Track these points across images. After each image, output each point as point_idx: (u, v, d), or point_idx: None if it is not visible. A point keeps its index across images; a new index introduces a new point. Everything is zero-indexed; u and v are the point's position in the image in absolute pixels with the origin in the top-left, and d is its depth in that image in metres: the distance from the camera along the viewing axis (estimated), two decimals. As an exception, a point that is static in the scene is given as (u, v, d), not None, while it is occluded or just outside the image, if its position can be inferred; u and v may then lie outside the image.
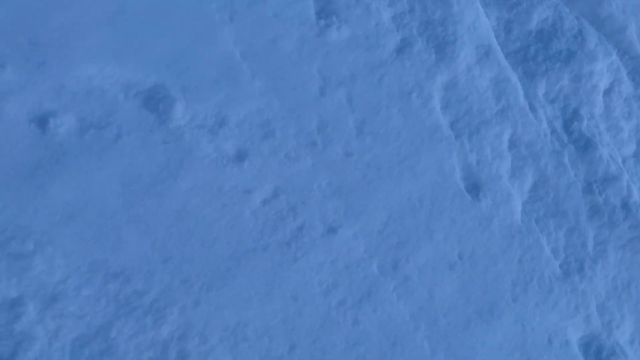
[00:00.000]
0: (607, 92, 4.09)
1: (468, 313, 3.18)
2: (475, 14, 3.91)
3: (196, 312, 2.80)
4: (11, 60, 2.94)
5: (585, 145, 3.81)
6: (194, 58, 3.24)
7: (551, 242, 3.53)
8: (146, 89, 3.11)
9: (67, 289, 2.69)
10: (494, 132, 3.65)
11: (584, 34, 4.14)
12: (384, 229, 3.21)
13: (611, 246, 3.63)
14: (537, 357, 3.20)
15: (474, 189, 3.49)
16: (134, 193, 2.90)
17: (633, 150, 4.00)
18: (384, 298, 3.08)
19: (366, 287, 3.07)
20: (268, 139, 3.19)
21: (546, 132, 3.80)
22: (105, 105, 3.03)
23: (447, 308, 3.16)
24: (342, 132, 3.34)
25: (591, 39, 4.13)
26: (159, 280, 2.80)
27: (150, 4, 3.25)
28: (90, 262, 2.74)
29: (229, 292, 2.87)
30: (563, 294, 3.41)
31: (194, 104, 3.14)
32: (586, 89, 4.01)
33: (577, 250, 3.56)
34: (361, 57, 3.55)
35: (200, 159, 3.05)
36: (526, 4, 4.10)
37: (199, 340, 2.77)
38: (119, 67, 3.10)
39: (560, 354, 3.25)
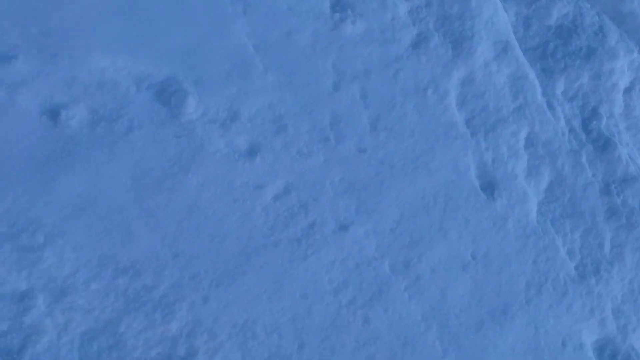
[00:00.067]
0: (628, 91, 4.00)
1: (480, 314, 3.14)
2: (494, 9, 3.83)
3: (205, 308, 2.78)
4: (23, 51, 2.92)
5: (603, 145, 3.74)
6: (207, 51, 3.20)
7: (567, 244, 3.47)
8: (158, 82, 3.08)
9: (76, 283, 2.68)
10: (511, 130, 3.59)
11: (605, 30, 4.04)
12: (396, 227, 3.16)
13: (628, 248, 3.55)
14: (550, 361, 3.16)
15: (489, 187, 3.43)
16: (145, 187, 2.88)
17: (653, 151, 3.92)
18: (395, 297, 3.04)
19: (377, 286, 3.03)
20: (280, 134, 3.16)
21: (564, 130, 3.72)
22: (117, 98, 3.00)
23: (459, 309, 3.11)
24: (356, 128, 3.30)
25: (612, 35, 4.04)
26: (169, 276, 2.78)
27: (163, -5, 3.23)
28: (100, 256, 2.73)
29: (238, 289, 2.84)
30: (578, 297, 3.35)
31: (206, 98, 3.11)
32: (606, 87, 3.92)
33: (593, 252, 3.50)
34: (376, 52, 3.49)
35: (212, 154, 3.02)
36: (546, -1, 4.02)
37: (208, 337, 2.75)
38: (131, 59, 3.07)
39: (574, 357, 3.20)
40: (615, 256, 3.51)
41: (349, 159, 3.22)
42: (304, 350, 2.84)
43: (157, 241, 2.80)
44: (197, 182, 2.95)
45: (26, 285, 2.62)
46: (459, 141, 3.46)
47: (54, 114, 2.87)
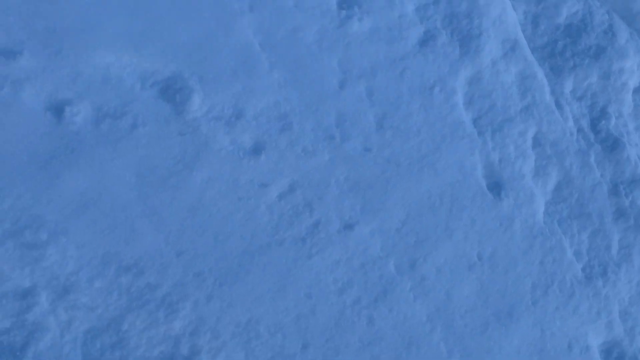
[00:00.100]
0: (637, 91, 3.95)
1: (486, 315, 3.11)
2: (502, 7, 3.79)
3: (209, 307, 2.76)
4: (28, 46, 2.90)
5: (612, 145, 3.70)
6: (212, 48, 3.18)
7: (574, 245, 3.43)
8: (163, 79, 3.07)
9: (79, 280, 2.67)
10: (518, 130, 3.55)
11: (615, 29, 4.00)
12: (402, 227, 3.14)
13: (636, 250, 3.52)
14: (556, 363, 3.13)
15: (496, 188, 3.40)
16: (149, 185, 2.86)
17: (662, 151, 3.87)
18: (400, 298, 3.01)
19: (382, 286, 3.01)
20: (285, 132, 3.13)
21: (572, 130, 3.69)
22: (121, 95, 2.98)
23: (464, 310, 3.09)
24: (362, 127, 3.27)
25: (622, 34, 4.00)
26: (172, 274, 2.76)
27: (169, -9, 3.20)
28: (103, 254, 2.71)
29: (242, 288, 2.82)
30: (585, 299, 3.32)
31: (211, 95, 3.09)
32: (615, 86, 3.88)
33: (600, 254, 3.47)
34: (383, 50, 3.46)
35: (216, 152, 3.00)
36: (555, -3, 3.98)
37: (211, 336, 2.73)
38: (136, 55, 3.05)
39: (580, 360, 3.17)
40: (623, 258, 3.48)
41: (355, 158, 3.19)
42: (307, 350, 2.82)
43: (160, 239, 2.79)
44: (201, 180, 2.94)
45: (29, 283, 2.61)
46: (466, 141, 3.43)
47: (58, 110, 2.86)
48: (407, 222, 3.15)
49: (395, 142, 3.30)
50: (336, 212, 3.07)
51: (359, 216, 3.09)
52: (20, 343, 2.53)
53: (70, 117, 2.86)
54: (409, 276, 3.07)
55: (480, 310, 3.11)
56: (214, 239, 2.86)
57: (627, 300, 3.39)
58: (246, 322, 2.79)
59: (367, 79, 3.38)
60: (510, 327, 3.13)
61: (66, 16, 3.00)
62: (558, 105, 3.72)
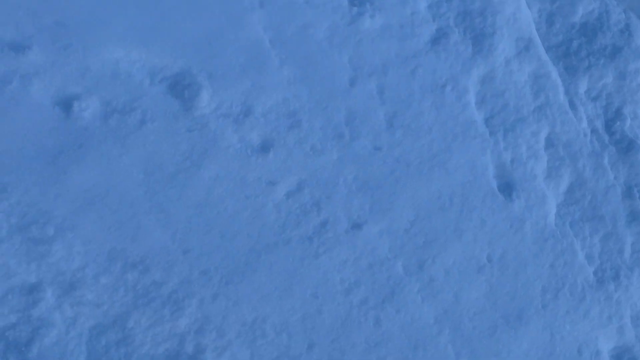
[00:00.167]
0: (653, 91, 3.88)
1: (495, 318, 3.07)
2: (516, 5, 3.73)
3: (214, 306, 2.74)
4: (37, 41, 2.90)
5: (627, 147, 3.64)
6: (222, 44, 3.16)
7: (586, 248, 3.38)
8: (172, 75, 3.05)
9: (85, 277, 2.66)
10: (531, 130, 3.50)
11: (632, 28, 3.93)
12: (410, 228, 3.10)
13: (649, 254, 3.46)
14: (566, 368, 3.09)
15: (507, 188, 3.36)
16: (156, 181, 2.84)
17: (678, 154, 3.80)
18: (408, 299, 2.98)
19: (390, 287, 2.98)
20: (294, 130, 3.11)
21: (586, 131, 3.63)
22: (130, 90, 2.97)
23: (473, 312, 3.05)
24: (371, 125, 3.23)
25: (639, 34, 3.92)
26: (178, 272, 2.75)
27: (179, -14, 3.18)
28: (110, 250, 2.70)
29: (248, 287, 2.80)
30: (596, 303, 3.27)
31: (220, 92, 3.07)
32: (631, 87, 3.81)
33: (613, 257, 3.41)
34: (394, 47, 3.42)
35: (225, 149, 2.98)
36: (571, -5, 3.91)
37: (217, 334, 2.72)
38: (145, 51, 3.04)
39: (590, 365, 3.13)
40: (636, 262, 3.42)
41: (364, 157, 3.16)
42: (313, 351, 2.80)
43: (167, 236, 2.78)
44: (209, 177, 2.92)
45: (35, 278, 2.60)
46: (477, 140, 3.38)
47: (66, 105, 2.85)
48: (416, 222, 3.12)
49: (405, 141, 3.26)
50: (344, 212, 3.04)
51: (368, 216, 3.06)
52: (25, 338, 2.53)
53: (78, 112, 2.85)
54: (417, 277, 3.03)
55: (489, 312, 3.08)
56: (221, 237, 2.84)
57: (639, 305, 3.34)
58: (252, 321, 2.77)
59: (378, 77, 3.34)
60: (520, 330, 3.09)
61: (75, 11, 2.99)
62: (572, 105, 3.66)
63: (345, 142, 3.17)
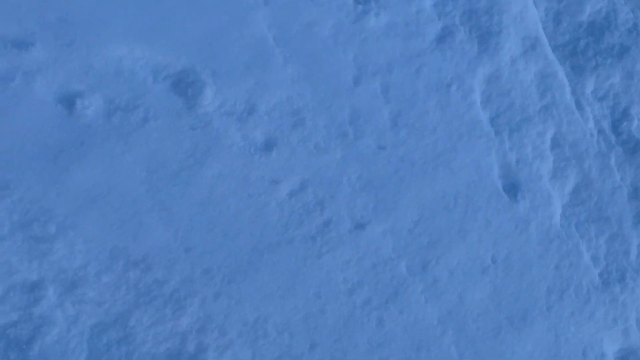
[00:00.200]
0: (661, 92, 3.84)
1: (499, 319, 3.05)
2: (523, 4, 3.70)
3: (216, 305, 2.73)
4: (40, 37, 2.88)
5: (634, 148, 3.60)
6: (226, 41, 3.14)
7: (591, 249, 3.35)
8: (176, 72, 3.03)
9: (87, 275, 2.65)
10: (537, 130, 3.47)
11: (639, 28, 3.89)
12: (414, 228, 3.08)
13: (656, 256, 3.43)
14: (570, 370, 3.06)
15: (512, 189, 3.33)
16: (159, 180, 2.83)
17: (686, 155, 3.76)
18: (412, 300, 2.96)
19: (393, 288, 2.96)
20: (298, 128, 3.08)
21: (592, 132, 3.59)
22: (133, 88, 2.95)
23: (477, 313, 3.03)
24: (376, 124, 3.21)
25: (647, 33, 3.88)
26: (180, 270, 2.74)
27: (183, -17, 3.16)
28: (112, 249, 2.69)
29: (250, 286, 2.79)
30: (601, 304, 3.25)
31: (223, 90, 3.05)
32: (638, 87, 3.77)
33: (618, 259, 3.38)
34: (399, 46, 3.39)
35: (228, 147, 2.97)
36: (578, -6, 3.87)
37: (218, 334, 2.70)
38: (149, 48, 3.02)
39: (594, 367, 3.10)
40: (642, 264, 3.39)
41: (368, 156, 3.14)
42: (315, 351, 2.79)
43: (169, 235, 2.76)
44: (212, 175, 2.90)
45: (37, 276, 2.60)
46: (483, 140, 3.35)
47: (69, 102, 2.84)
48: (420, 222, 3.09)
49: (410, 140, 3.24)
50: (348, 211, 3.02)
51: (371, 215, 3.04)
52: (26, 336, 2.52)
53: (81, 110, 2.84)
54: (420, 278, 3.01)
55: (493, 314, 3.05)
56: (223, 236, 2.83)
57: (645, 308, 3.31)
58: (254, 320, 2.75)
59: (383, 75, 3.31)
60: (524, 331, 3.06)
61: (79, 8, 2.97)
62: (578, 105, 3.63)
63: (349, 141, 3.14)
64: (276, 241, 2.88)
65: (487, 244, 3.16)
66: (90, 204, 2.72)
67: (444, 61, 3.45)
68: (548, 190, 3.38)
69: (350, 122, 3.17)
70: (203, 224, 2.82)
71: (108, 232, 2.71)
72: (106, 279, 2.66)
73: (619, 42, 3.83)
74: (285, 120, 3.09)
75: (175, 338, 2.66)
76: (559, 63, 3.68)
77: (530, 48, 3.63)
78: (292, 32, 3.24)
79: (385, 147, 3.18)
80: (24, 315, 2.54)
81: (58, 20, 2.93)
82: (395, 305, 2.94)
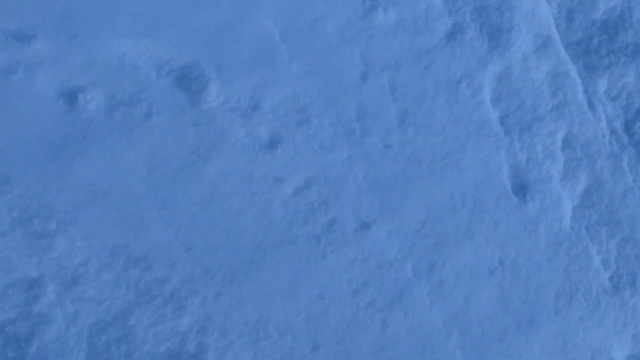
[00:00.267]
0: (676, 92, 3.75)
1: (505, 323, 2.99)
2: (535, 0, 3.62)
3: (217, 305, 2.69)
4: (43, 31, 2.85)
5: (647, 149, 3.53)
6: (231, 36, 3.09)
7: (602, 252, 3.28)
8: (180, 67, 2.99)
9: (87, 272, 2.61)
10: (547, 130, 3.40)
11: (655, 26, 3.80)
12: (421, 228, 3.02)
13: (668, 260, 3.35)
14: (578, 376, 3.00)
15: (522, 190, 3.26)
16: (161, 177, 2.79)
17: (700, 157, 3.68)
18: (417, 302, 2.91)
19: (398, 289, 2.90)
20: (303, 126, 3.03)
21: (605, 132, 3.52)
22: (136, 83, 2.91)
23: (483, 317, 2.97)
24: (383, 122, 3.15)
25: (662, 32, 3.80)
26: (181, 269, 2.70)
27: (188, -23, 3.11)
28: (112, 246, 2.66)
29: (252, 286, 2.75)
30: (611, 309, 3.18)
31: (228, 85, 3.00)
32: (653, 87, 3.69)
33: (629, 263, 3.31)
34: (408, 43, 3.33)
35: (232, 144, 2.92)
36: (592, -9, 3.79)
37: (219, 334, 2.66)
38: (152, 42, 2.98)
39: (603, 373, 3.04)
40: (654, 268, 3.32)
41: (374, 155, 3.08)
42: (318, 353, 2.74)
43: (170, 233, 2.72)
44: (214, 172, 2.86)
45: (36, 273, 2.56)
46: (492, 139, 3.29)
47: (71, 97, 2.80)
48: (426, 223, 3.04)
49: (417, 139, 3.18)
50: (353, 211, 2.96)
51: (377, 215, 2.99)
52: (25, 334, 2.49)
53: (83, 105, 2.80)
54: (426, 280, 2.96)
55: (499, 317, 2.99)
56: (225, 235, 2.78)
57: (656, 313, 3.24)
58: (255, 321, 2.71)
59: (391, 73, 3.25)
60: (531, 336, 3.00)
61: (82, 1, 2.94)
62: (591, 105, 3.55)
63: (356, 139, 3.09)
64: (279, 240, 2.84)
65: (494, 245, 3.10)
66: (92, 200, 2.69)
67: (453, 58, 3.38)
68: (558, 191, 3.31)
69: (356, 120, 3.12)
70: (205, 222, 2.78)
71: (109, 229, 2.67)
72: (106, 277, 2.62)
73: (634, 41, 3.75)
74: (291, 118, 3.04)
75: (175, 338, 2.63)
76: (572, 61, 3.61)
77: (542, 46, 3.55)
78: (298, 27, 3.19)
79: (392, 146, 3.12)
80: (23, 312, 2.51)
81: (61, 14, 2.89)
82: (400, 307, 2.88)
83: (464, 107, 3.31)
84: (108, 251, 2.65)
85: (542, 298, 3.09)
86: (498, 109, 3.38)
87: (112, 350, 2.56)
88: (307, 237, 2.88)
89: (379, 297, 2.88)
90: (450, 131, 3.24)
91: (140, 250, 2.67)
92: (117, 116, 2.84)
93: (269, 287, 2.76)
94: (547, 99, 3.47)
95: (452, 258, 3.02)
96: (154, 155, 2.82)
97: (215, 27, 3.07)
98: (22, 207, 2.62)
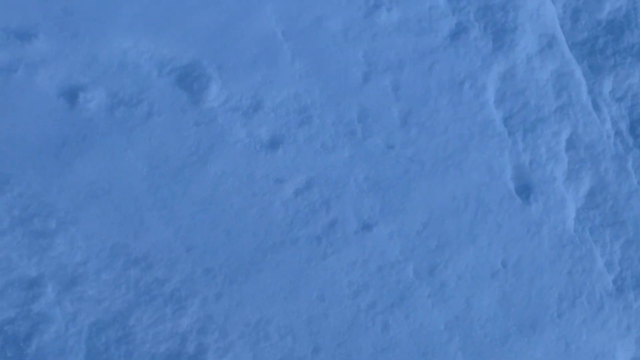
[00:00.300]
0: (682, 93, 3.72)
1: (507, 326, 2.96)
2: (540, 0, 3.59)
3: (217, 305, 2.67)
4: (44, 29, 2.83)
5: (652, 151, 3.49)
6: (233, 35, 3.07)
7: (606, 255, 3.25)
8: (181, 66, 2.97)
9: (87, 272, 2.60)
10: (552, 131, 3.37)
11: (661, 26, 3.76)
12: (423, 230, 3.00)
13: (673, 263, 3.32)
14: (580, 379, 2.98)
15: (525, 191, 3.23)
16: (161, 176, 2.77)
17: None
18: (418, 304, 2.89)
19: (399, 292, 2.88)
20: (304, 126, 3.01)
21: (609, 133, 3.48)
22: (137, 82, 2.90)
23: (485, 319, 2.95)
24: (385, 123, 3.13)
25: (669, 32, 3.76)
26: (181, 269, 2.68)
27: (190, -25, 3.09)
28: (112, 246, 2.64)
29: (252, 287, 2.73)
30: (614, 312, 3.15)
31: (229, 85, 2.98)
32: (659, 88, 3.65)
33: (633, 265, 3.28)
34: (411, 42, 3.30)
35: (232, 144, 2.90)
36: (598, -10, 3.75)
37: (219, 335, 2.65)
38: (154, 41, 2.96)
39: (606, 377, 3.01)
40: (658, 271, 3.29)
41: (376, 155, 3.06)
42: (318, 355, 2.72)
43: (170, 233, 2.71)
44: (215, 173, 2.84)
45: (36, 272, 2.55)
46: (495, 140, 3.26)
47: (72, 96, 2.79)
48: (428, 224, 3.01)
49: (420, 139, 3.15)
50: (354, 212, 2.94)
51: (378, 217, 2.96)
52: (24, 334, 2.48)
53: (83, 103, 2.78)
54: (428, 282, 2.93)
55: (501, 320, 2.97)
56: (226, 235, 2.77)
57: (660, 316, 3.21)
58: (256, 322, 2.70)
59: (394, 73, 3.23)
60: (533, 339, 2.98)
61: (83, -1, 2.92)
62: (595, 106, 3.52)
63: (357, 139, 3.07)
64: (280, 241, 2.82)
65: (497, 247, 3.07)
66: (92, 199, 2.68)
67: (457, 58, 3.35)
68: (562, 193, 3.28)
69: (358, 121, 3.09)
70: (205, 222, 2.76)
71: (109, 228, 2.66)
72: (106, 277, 2.61)
73: (639, 41, 3.71)
74: (292, 118, 3.02)
75: (175, 338, 2.61)
76: (576, 62, 3.57)
77: (546, 46, 3.52)
78: (301, 26, 3.16)
79: (395, 147, 3.10)
80: (22, 312, 2.50)
81: (62, 12, 2.88)
82: (401, 309, 2.86)
83: (468, 107, 3.28)
84: (108, 251, 2.64)
85: (544, 301, 3.06)
86: (502, 110, 3.35)
87: (112, 351, 2.55)
88: (307, 238, 2.86)
89: (380, 299, 2.86)
90: (453, 132, 3.22)
91: (140, 250, 2.66)
92: (117, 115, 2.82)
93: (269, 288, 2.75)
94: (552, 100, 3.43)
95: (454, 260, 2.99)
96: (155, 154, 2.80)
97: (217, 25, 3.05)
98: (22, 206, 2.61)
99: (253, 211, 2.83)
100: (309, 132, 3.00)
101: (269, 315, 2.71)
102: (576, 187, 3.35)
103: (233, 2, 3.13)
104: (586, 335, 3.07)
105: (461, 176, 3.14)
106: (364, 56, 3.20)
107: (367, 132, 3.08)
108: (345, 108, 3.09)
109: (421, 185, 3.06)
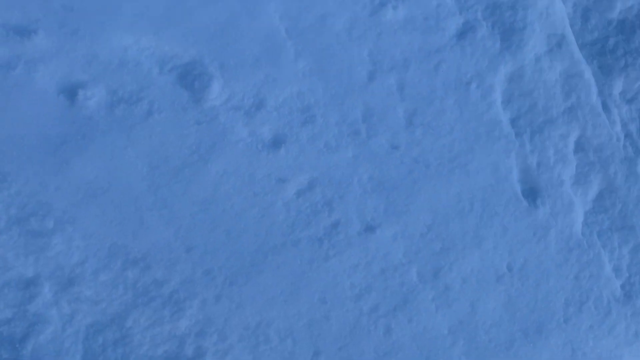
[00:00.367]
0: (694, 95, 3.64)
1: (512, 331, 2.91)
2: (550, -1, 3.53)
3: (217, 308, 2.63)
4: (44, 25, 2.79)
5: (663, 154, 3.42)
6: (236, 33, 3.02)
7: (614, 259, 3.19)
8: (182, 64, 2.92)
9: (84, 272, 2.56)
10: (560, 133, 3.31)
11: (673, 26, 3.69)
12: (427, 232, 2.95)
13: (683, 268, 3.26)
14: (587, 387, 2.92)
15: (532, 194, 3.18)
16: (161, 175, 2.73)
17: None
18: (421, 308, 2.83)
19: (402, 295, 2.83)
20: (308, 125, 2.96)
21: (619, 135, 3.42)
22: (138, 79, 2.86)
23: (489, 324, 2.89)
24: (390, 123, 3.07)
25: (681, 33, 3.68)
26: (180, 271, 2.64)
27: (193, -29, 3.04)
28: (110, 246, 2.60)
29: (252, 289, 2.68)
30: (622, 318, 3.09)
31: (231, 83, 2.93)
32: (670, 89, 3.58)
33: (642, 270, 3.22)
34: (417, 41, 3.25)
35: (234, 143, 2.85)
36: (609, -11, 3.68)
37: (218, 338, 2.61)
38: (155, 38, 2.92)
39: (613, 384, 2.95)
40: (668, 276, 3.22)
41: (380, 156, 3.01)
42: (319, 358, 2.68)
43: (170, 233, 2.67)
44: (216, 172, 2.79)
45: (32, 272, 2.52)
46: (502, 142, 3.20)
47: (71, 93, 2.75)
48: (433, 227, 2.96)
49: (425, 140, 3.10)
50: (357, 213, 2.89)
51: (382, 218, 2.91)
52: (20, 334, 2.44)
53: (83, 101, 2.75)
54: (431, 285, 2.88)
55: (506, 325, 2.91)
56: (226, 236, 2.72)
57: (669, 323, 3.15)
58: (255, 325, 2.65)
59: (399, 72, 3.17)
60: (539, 344, 2.93)
61: (84, -5, 2.88)
62: (605, 107, 3.45)
63: (361, 139, 3.01)
64: (281, 242, 2.77)
65: (503, 251, 3.02)
66: (90, 198, 2.64)
67: (463, 58, 3.29)
68: (570, 196, 3.22)
69: (363, 120, 3.04)
70: (205, 222, 2.72)
71: (107, 228, 2.62)
72: (104, 277, 2.57)
73: (651, 42, 3.64)
74: (295, 117, 2.97)
75: (173, 341, 2.57)
76: (586, 62, 3.51)
77: (555, 46, 3.46)
78: (304, 24, 3.11)
79: (399, 147, 3.05)
80: (18, 312, 2.47)
81: (62, 8, 2.84)
82: (404, 313, 2.81)
83: (474, 108, 3.23)
84: (106, 251, 2.60)
85: (551, 305, 3.00)
86: (509, 111, 3.30)
87: (108, 353, 2.51)
88: (309, 240, 2.81)
89: (383, 302, 2.81)
90: (459, 133, 3.16)
91: (139, 251, 2.62)
92: (117, 113, 2.78)
93: (270, 290, 2.70)
94: (560, 101, 3.37)
95: (458, 263, 2.94)
96: (155, 153, 2.76)
97: (219, 23, 3.01)
98: (20, 204, 2.57)
99: (254, 211, 2.78)
100: (312, 132, 2.95)
101: (269, 318, 2.67)
102: (584, 190, 3.28)
103: (235, 0, 3.09)
104: (593, 341, 3.01)
105: (467, 178, 3.09)
106: (369, 55, 3.15)
107: (371, 132, 3.03)
108: (349, 107, 3.03)
109: (426, 187, 3.01)
